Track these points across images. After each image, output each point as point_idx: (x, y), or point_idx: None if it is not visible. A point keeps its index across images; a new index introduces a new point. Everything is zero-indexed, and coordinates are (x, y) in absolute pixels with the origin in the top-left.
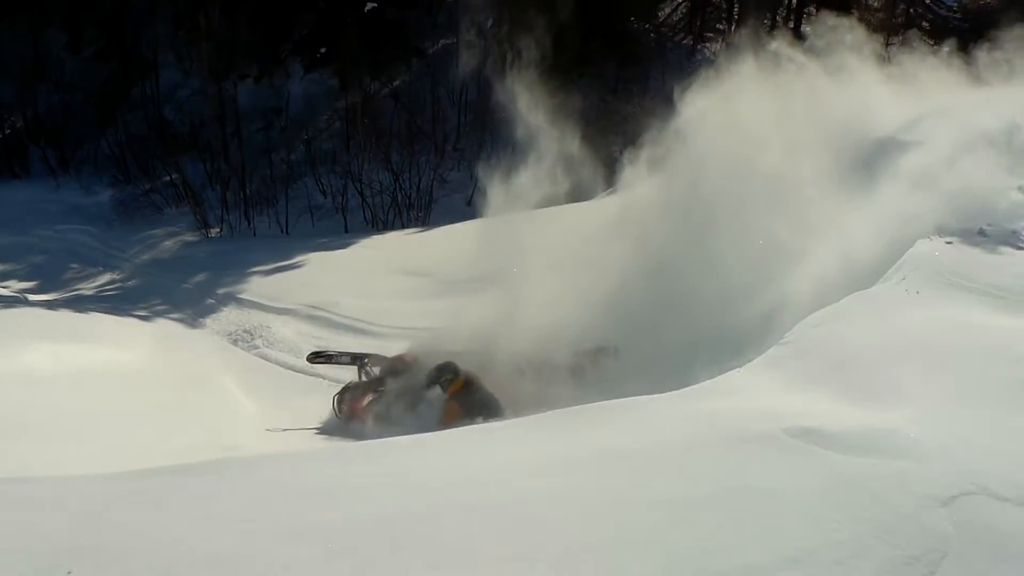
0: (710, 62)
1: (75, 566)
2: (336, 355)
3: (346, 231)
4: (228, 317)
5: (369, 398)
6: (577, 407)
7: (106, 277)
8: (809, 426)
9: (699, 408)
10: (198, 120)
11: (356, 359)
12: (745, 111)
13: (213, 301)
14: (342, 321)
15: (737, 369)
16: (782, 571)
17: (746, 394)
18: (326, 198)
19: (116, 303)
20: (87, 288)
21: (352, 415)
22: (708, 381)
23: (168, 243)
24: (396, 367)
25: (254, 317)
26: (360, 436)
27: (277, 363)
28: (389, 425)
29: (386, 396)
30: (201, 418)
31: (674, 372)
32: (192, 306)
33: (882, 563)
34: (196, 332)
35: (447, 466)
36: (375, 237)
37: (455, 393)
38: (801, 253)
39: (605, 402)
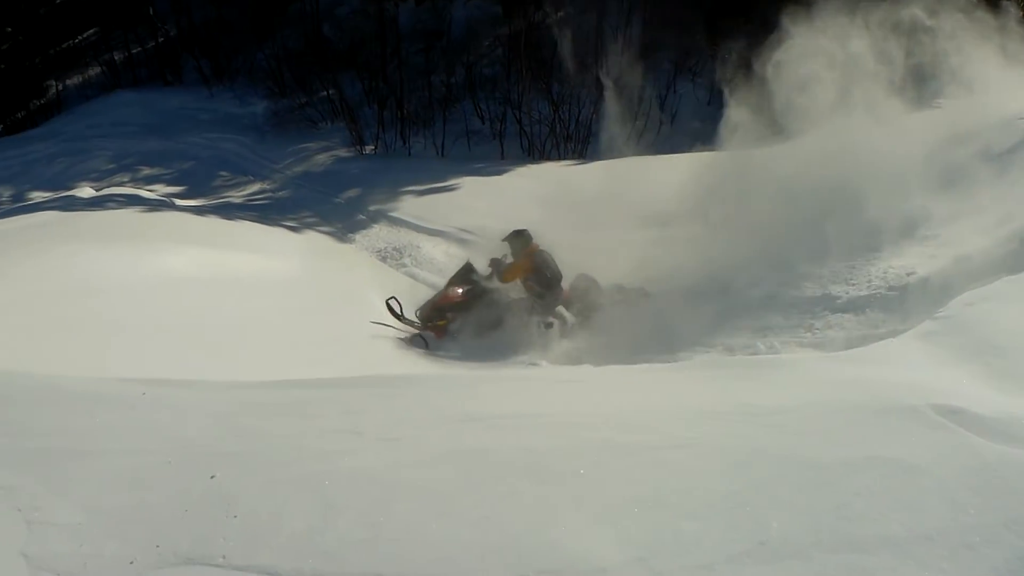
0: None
1: (218, 471)
2: (402, 318)
3: (502, 157)
4: (378, 234)
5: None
6: (723, 358)
7: (256, 186)
8: (956, 405)
9: (848, 373)
10: (357, 38)
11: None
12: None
13: (364, 217)
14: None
15: (891, 339)
16: (916, 547)
17: (897, 365)
18: (484, 123)
19: (265, 212)
20: (236, 196)
21: (434, 316)
22: (861, 347)
23: (321, 157)
24: (465, 276)
25: (404, 236)
26: (438, 345)
27: (424, 283)
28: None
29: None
30: (344, 330)
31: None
32: (342, 220)
33: (1011, 554)
34: (345, 246)
35: (590, 404)
36: (531, 166)
37: (529, 252)
38: (940, 235)
39: (750, 357)
